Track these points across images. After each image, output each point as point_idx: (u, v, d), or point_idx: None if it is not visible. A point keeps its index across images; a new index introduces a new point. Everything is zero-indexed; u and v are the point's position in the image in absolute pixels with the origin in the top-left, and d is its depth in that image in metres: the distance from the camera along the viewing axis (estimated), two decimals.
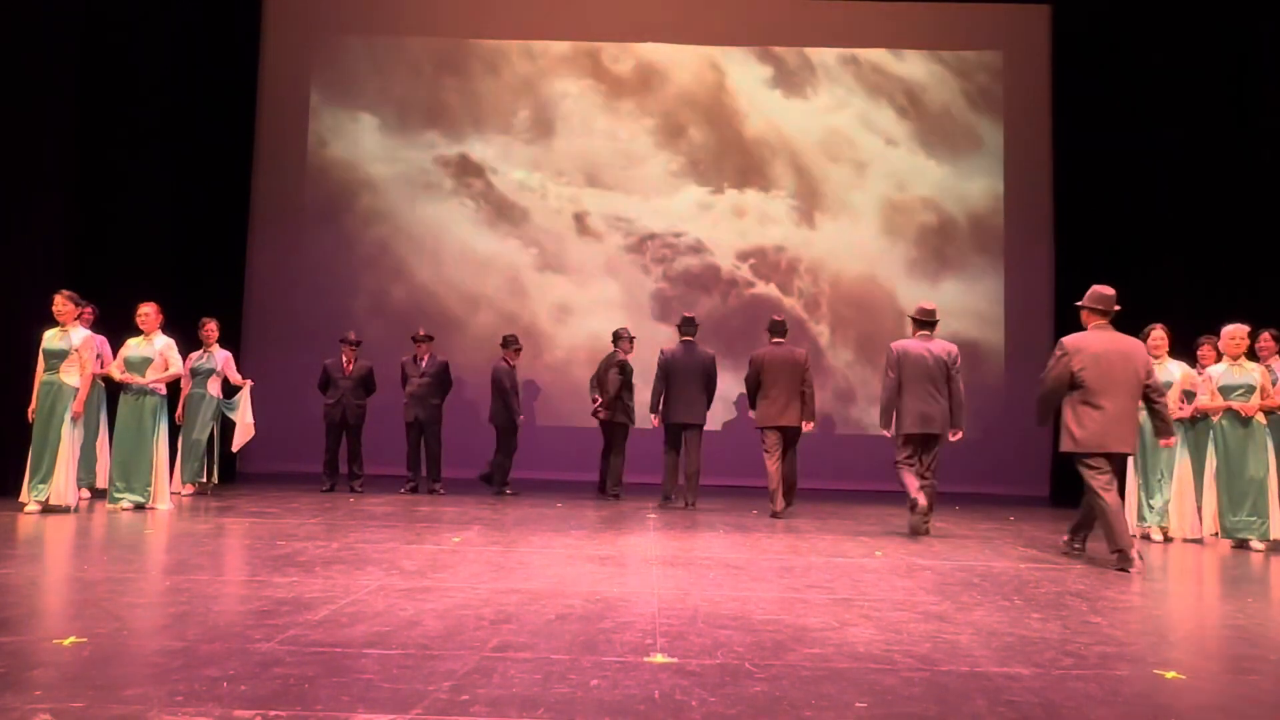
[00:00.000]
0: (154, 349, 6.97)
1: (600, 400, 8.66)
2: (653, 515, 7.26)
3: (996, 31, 10.99)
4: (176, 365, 7.13)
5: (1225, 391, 6.42)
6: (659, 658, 2.92)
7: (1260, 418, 6.35)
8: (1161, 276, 9.24)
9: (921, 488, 6.49)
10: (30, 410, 6.55)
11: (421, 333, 8.84)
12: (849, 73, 11.02)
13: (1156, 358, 6.87)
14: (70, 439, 6.40)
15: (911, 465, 6.57)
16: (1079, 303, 5.65)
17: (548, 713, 2.38)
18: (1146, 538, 6.69)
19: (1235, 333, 6.42)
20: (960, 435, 6.68)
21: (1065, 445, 5.37)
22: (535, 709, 2.40)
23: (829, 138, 10.95)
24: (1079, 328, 5.61)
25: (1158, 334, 6.88)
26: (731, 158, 10.95)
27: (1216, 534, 6.52)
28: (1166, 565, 5.59)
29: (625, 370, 8.63)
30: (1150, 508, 6.75)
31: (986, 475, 10.13)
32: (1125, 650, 3.24)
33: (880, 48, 11.00)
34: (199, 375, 7.89)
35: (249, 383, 8.10)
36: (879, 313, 10.68)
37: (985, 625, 3.53)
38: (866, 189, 10.90)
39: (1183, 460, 6.75)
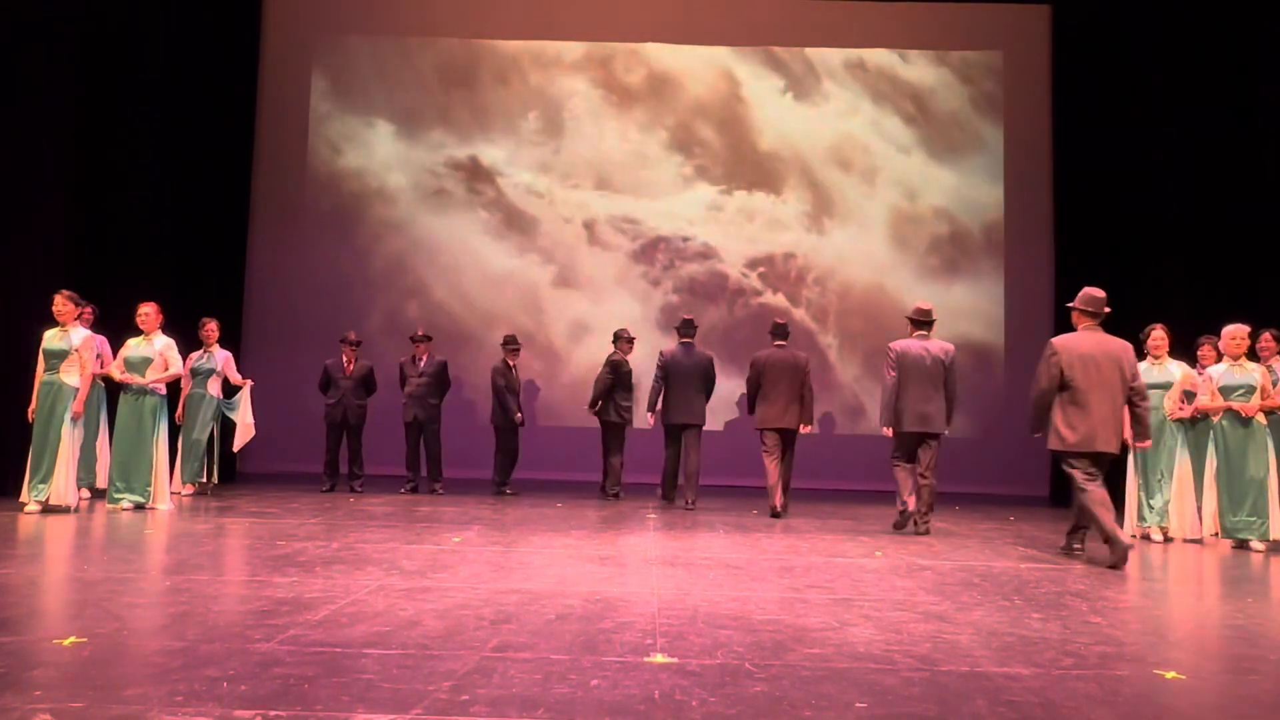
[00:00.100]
0: (154, 349, 6.97)
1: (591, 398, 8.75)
2: (653, 515, 7.27)
3: (996, 31, 10.99)
4: (176, 365, 7.13)
5: (1226, 392, 6.42)
6: (659, 658, 2.92)
7: (1260, 418, 6.35)
8: (1161, 276, 9.24)
9: (921, 487, 6.57)
10: (30, 410, 6.55)
11: (420, 333, 8.84)
12: (849, 74, 11.02)
13: (1157, 358, 6.88)
14: (70, 439, 6.40)
15: (903, 464, 6.67)
16: (1070, 304, 5.74)
17: (548, 713, 2.38)
18: (1146, 538, 6.69)
19: (1236, 333, 6.42)
20: (945, 432, 6.79)
21: (1053, 444, 5.48)
22: (535, 709, 2.40)
23: (829, 139, 10.94)
24: (1101, 329, 5.65)
25: (1158, 334, 6.88)
26: (736, 160, 10.94)
27: (1216, 534, 6.52)
28: (1166, 565, 5.59)
29: (618, 369, 8.65)
30: (1150, 508, 6.75)
31: (986, 475, 10.13)
32: (1125, 650, 3.24)
33: (880, 48, 11.00)
34: (199, 375, 7.89)
35: (249, 383, 8.10)
36: (886, 320, 10.63)
37: (985, 625, 3.53)
38: (866, 189, 10.90)
39: (1183, 460, 6.75)
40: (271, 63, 10.88)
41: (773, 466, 7.57)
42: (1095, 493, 5.31)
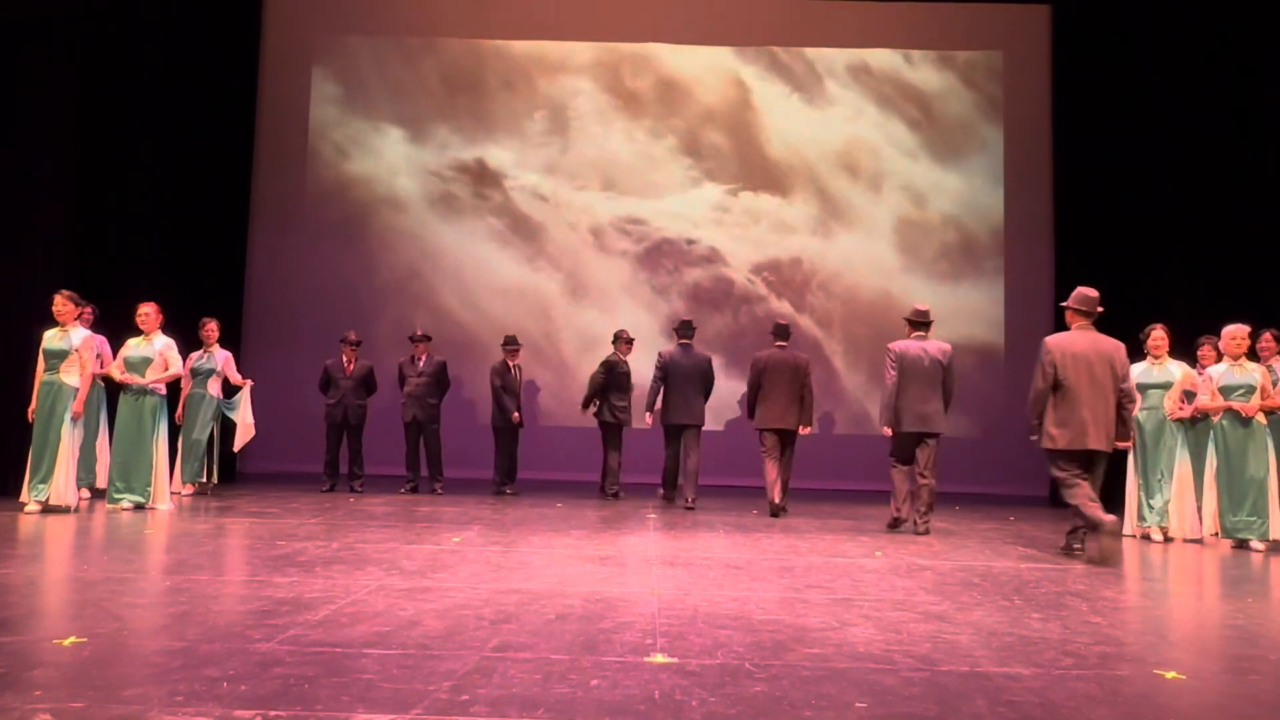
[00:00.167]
0: (154, 349, 6.97)
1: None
2: (653, 515, 7.27)
3: (996, 31, 10.98)
4: (176, 365, 7.13)
5: (1226, 392, 6.42)
6: (659, 658, 2.92)
7: (1260, 418, 6.35)
8: (1161, 277, 9.25)
9: (921, 487, 6.64)
10: (30, 410, 6.55)
11: (419, 332, 8.84)
12: (850, 75, 11.01)
13: (1157, 358, 6.88)
14: (70, 439, 6.40)
15: (900, 467, 6.79)
16: (1064, 303, 5.84)
17: (548, 713, 2.38)
18: (1146, 538, 6.69)
19: (1236, 333, 6.42)
20: (945, 431, 6.89)
21: (1045, 443, 5.57)
22: (535, 709, 2.40)
23: (830, 141, 10.93)
24: (1095, 328, 5.71)
25: (1158, 334, 6.88)
26: (738, 162, 10.93)
27: (1216, 534, 6.51)
28: (1166, 565, 5.59)
29: (612, 370, 8.68)
30: (1150, 508, 6.75)
31: (986, 475, 10.13)
32: (1125, 650, 3.24)
33: (880, 48, 11.00)
34: (199, 375, 7.89)
35: (249, 383, 8.10)
36: (890, 325, 10.59)
37: (985, 625, 3.53)
38: (867, 190, 10.90)
39: (1183, 460, 6.75)
40: (271, 63, 10.87)
41: (771, 466, 7.60)
42: (1078, 486, 5.44)
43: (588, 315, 10.70)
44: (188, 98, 9.94)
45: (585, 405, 8.84)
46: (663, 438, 8.37)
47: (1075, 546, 5.61)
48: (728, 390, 10.25)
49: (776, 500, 7.48)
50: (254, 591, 3.80)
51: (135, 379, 6.85)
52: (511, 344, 8.84)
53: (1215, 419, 6.49)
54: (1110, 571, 5.09)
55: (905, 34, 10.97)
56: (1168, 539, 6.63)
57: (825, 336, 10.73)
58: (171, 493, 7.09)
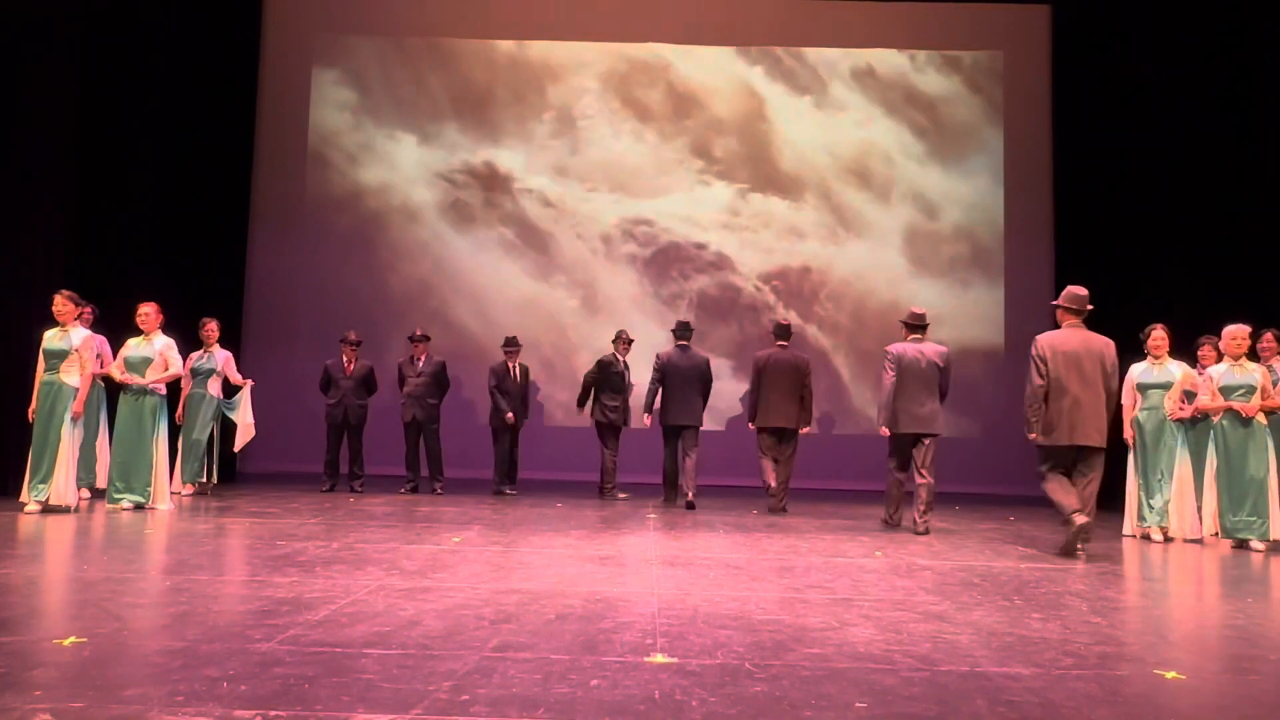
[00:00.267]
0: (154, 349, 6.97)
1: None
2: (653, 515, 7.27)
3: (996, 31, 10.99)
4: (176, 365, 7.13)
5: (1226, 392, 6.42)
6: (659, 658, 2.92)
7: (1261, 418, 6.35)
8: (1161, 276, 9.24)
9: (920, 486, 6.71)
10: (30, 410, 6.55)
11: (418, 332, 8.84)
12: (848, 74, 11.01)
13: (1157, 358, 6.88)
14: (70, 439, 6.40)
15: (897, 471, 6.92)
16: (1054, 302, 5.95)
17: (548, 713, 2.38)
18: (1146, 538, 6.68)
19: (1237, 333, 6.42)
20: (942, 433, 7.00)
21: (1036, 439, 5.70)
22: (535, 709, 2.40)
23: (828, 140, 10.94)
24: (1085, 326, 5.81)
25: (1158, 334, 6.88)
26: (739, 162, 10.93)
27: (1216, 534, 6.51)
28: (1166, 565, 5.59)
29: (605, 369, 8.73)
30: (1150, 508, 6.75)
31: (986, 475, 10.13)
32: (1125, 650, 3.24)
33: (879, 48, 11.00)
34: (199, 375, 7.89)
35: (249, 383, 8.10)
36: (893, 330, 10.63)
37: (985, 625, 3.53)
38: (864, 189, 10.90)
39: (1183, 460, 6.75)
40: (272, 63, 10.87)
41: (768, 465, 7.73)
42: (1057, 480, 5.65)
43: (592, 321, 10.69)
44: (188, 98, 9.94)
45: (580, 404, 8.92)
46: (661, 438, 8.40)
47: (1075, 547, 5.61)
48: (730, 391, 10.28)
49: (772, 485, 7.65)
50: (254, 591, 3.80)
51: (135, 379, 6.85)
52: (511, 345, 8.84)
53: (1215, 419, 6.49)
54: (1110, 571, 5.09)
55: (905, 34, 10.97)
56: (1168, 539, 6.63)
57: (832, 345, 10.71)
58: (171, 493, 7.09)
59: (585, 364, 9.42)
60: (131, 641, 2.98)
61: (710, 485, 9.34)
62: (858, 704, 2.51)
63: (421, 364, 8.70)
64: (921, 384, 6.78)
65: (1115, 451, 7.15)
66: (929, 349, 6.89)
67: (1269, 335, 6.76)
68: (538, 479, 9.77)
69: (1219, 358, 6.71)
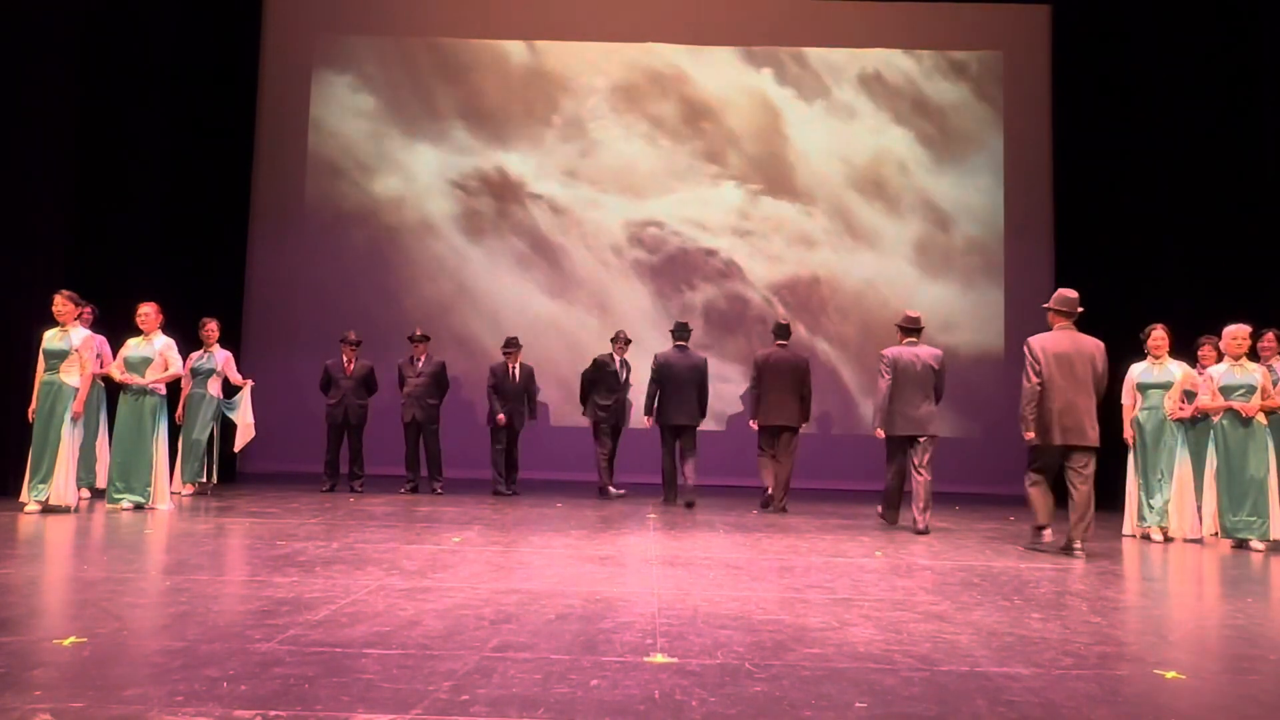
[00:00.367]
0: (154, 349, 6.97)
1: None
2: (653, 515, 7.27)
3: (996, 31, 10.99)
4: (176, 365, 7.13)
5: (1226, 391, 6.42)
6: (659, 658, 2.92)
7: (1261, 418, 6.35)
8: (1161, 276, 9.24)
9: (918, 483, 6.78)
10: (30, 410, 6.55)
11: (418, 333, 8.84)
12: (847, 74, 11.01)
13: (1157, 358, 6.88)
14: (70, 439, 6.40)
15: (895, 474, 6.99)
16: (1045, 305, 6.06)
17: (548, 713, 2.38)
18: (1146, 538, 6.68)
19: (1237, 333, 6.42)
20: (938, 434, 7.11)
21: (1029, 439, 5.82)
22: (535, 709, 2.40)
23: (827, 139, 10.93)
24: (1077, 328, 5.91)
25: (1158, 334, 6.88)
26: (736, 161, 10.93)
27: (1216, 534, 6.51)
28: (1166, 565, 5.59)
29: (601, 368, 8.80)
30: (1150, 508, 6.74)
31: (986, 475, 10.13)
32: (1125, 650, 3.24)
33: (879, 48, 11.00)
34: (199, 375, 7.89)
35: (249, 383, 8.10)
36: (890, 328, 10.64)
37: (985, 625, 3.53)
38: (864, 189, 10.90)
39: (1183, 460, 6.75)
40: (272, 62, 10.87)
41: (767, 470, 7.82)
42: (1042, 488, 5.89)
43: (601, 336, 10.66)
44: (188, 98, 9.94)
45: (583, 403, 8.98)
46: (659, 439, 8.44)
47: (1075, 546, 5.61)
48: (727, 390, 10.28)
49: (769, 489, 7.71)
50: (254, 591, 3.80)
51: (135, 379, 6.85)
52: (510, 346, 8.83)
53: (1215, 419, 6.49)
54: (1110, 571, 5.09)
55: (905, 34, 10.97)
56: (1168, 539, 6.63)
57: (840, 358, 10.71)
58: (171, 493, 7.09)
59: (565, 348, 9.45)
60: (131, 641, 2.98)
61: (710, 485, 9.36)
62: (858, 704, 2.51)
63: (421, 364, 8.70)
64: (917, 387, 6.87)
65: (1115, 451, 7.18)
66: (924, 352, 6.98)
67: (1269, 335, 6.77)
68: (538, 479, 9.77)
69: (1219, 358, 6.71)
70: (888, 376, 6.90)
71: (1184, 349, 7.11)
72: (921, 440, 6.83)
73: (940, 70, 11.01)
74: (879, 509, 7.10)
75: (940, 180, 10.90)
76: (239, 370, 8.16)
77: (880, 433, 7.00)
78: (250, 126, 10.66)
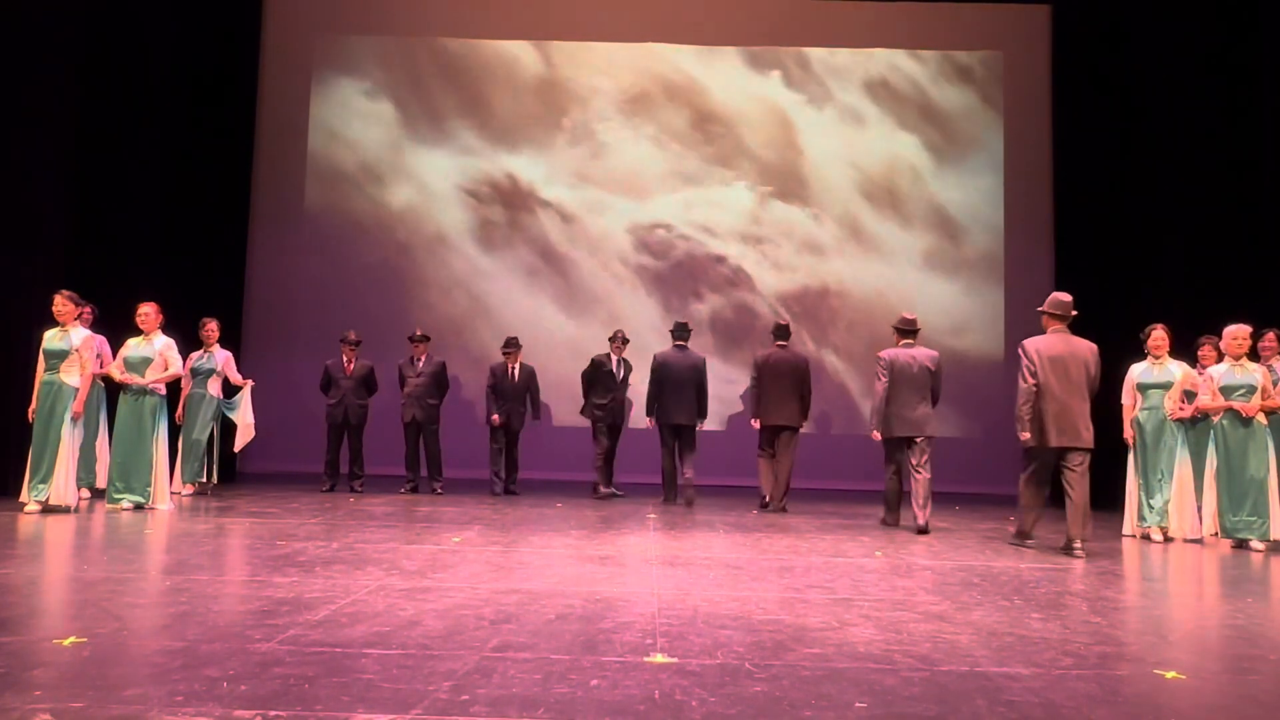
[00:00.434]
0: (154, 349, 6.97)
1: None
2: (653, 515, 7.27)
3: (996, 31, 10.99)
4: (176, 365, 7.13)
5: (1226, 391, 6.42)
6: (659, 658, 2.92)
7: (1261, 418, 6.35)
8: (1161, 276, 9.24)
9: (917, 481, 6.82)
10: (30, 410, 6.55)
11: (418, 333, 8.84)
12: (847, 73, 11.01)
13: (1157, 358, 6.88)
14: (70, 439, 6.40)
15: (894, 474, 7.04)
16: (1039, 308, 6.12)
17: (548, 713, 2.38)
18: (1147, 538, 6.68)
19: (1238, 333, 6.42)
20: (934, 435, 7.15)
21: (1027, 438, 5.87)
22: (535, 709, 2.40)
23: (826, 138, 10.94)
24: (1076, 328, 5.99)
25: (1158, 334, 6.88)
26: (742, 167, 10.93)
27: (1216, 534, 6.51)
28: (1166, 565, 5.59)
29: (598, 367, 8.81)
30: (1150, 508, 6.74)
31: (986, 475, 10.13)
32: (1125, 650, 3.24)
33: (879, 48, 11.00)
34: (199, 375, 7.89)
35: (249, 383, 8.10)
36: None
37: (985, 625, 3.53)
38: (869, 192, 10.89)
39: (1183, 460, 6.75)
40: (272, 62, 10.87)
41: (766, 473, 7.87)
42: (1035, 493, 5.97)
43: (585, 322, 10.68)
44: (188, 98, 9.94)
45: (585, 402, 8.98)
46: (659, 438, 8.47)
47: (1075, 546, 5.62)
48: (727, 390, 10.29)
49: (766, 496, 7.77)
50: (254, 591, 3.80)
51: (135, 379, 6.85)
52: (510, 346, 8.83)
53: (1216, 419, 6.49)
54: (1110, 571, 5.09)
55: (905, 34, 10.97)
56: (1168, 539, 6.63)
57: (846, 369, 10.70)
58: (171, 493, 7.09)
59: (560, 346, 9.45)
60: (131, 641, 2.98)
61: (710, 485, 9.36)
62: (858, 704, 2.51)
63: (421, 364, 8.70)
64: (914, 388, 6.92)
65: (1115, 451, 7.19)
66: (920, 354, 7.02)
67: (1270, 335, 6.77)
68: (537, 479, 9.77)
69: (1219, 358, 6.71)
70: (884, 379, 6.95)
71: (1184, 349, 7.11)
72: (919, 441, 6.86)
73: (945, 75, 11.00)
74: (881, 517, 7.11)
75: (941, 182, 10.90)
76: (239, 370, 8.16)
77: (877, 435, 7.05)
78: (250, 126, 10.66)
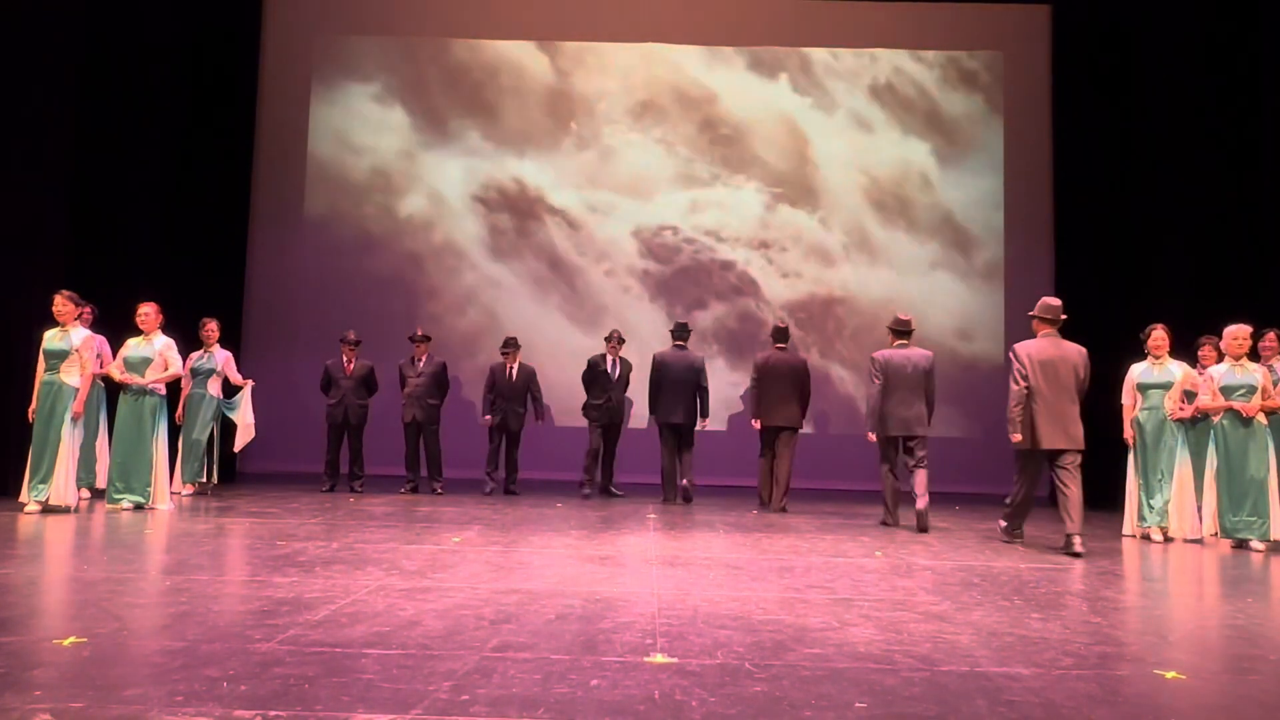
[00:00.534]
0: (154, 349, 6.97)
1: None
2: (653, 515, 7.27)
3: (996, 31, 10.99)
4: (176, 365, 7.13)
5: (1227, 391, 6.42)
6: (659, 658, 2.92)
7: (1261, 418, 6.35)
8: (1162, 276, 9.24)
9: (915, 475, 6.93)
10: (30, 410, 6.55)
11: (419, 333, 8.84)
12: (846, 73, 11.01)
13: (1157, 358, 6.88)
14: (70, 439, 6.40)
15: (891, 473, 7.10)
16: (1030, 313, 6.25)
17: (548, 713, 2.38)
18: (1147, 538, 6.68)
19: (1238, 333, 6.42)
20: (928, 434, 7.22)
21: (1017, 439, 6.04)
22: (535, 709, 2.40)
23: (826, 138, 10.94)
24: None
25: (1158, 334, 6.88)
26: (749, 171, 10.93)
27: (1216, 534, 6.51)
28: (1166, 565, 5.59)
29: (593, 368, 8.84)
30: (1150, 508, 6.74)
31: (986, 475, 10.10)
32: (1125, 650, 3.24)
33: (879, 48, 11.00)
34: (199, 375, 7.89)
35: (250, 383, 8.10)
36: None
37: (985, 625, 3.53)
38: (864, 189, 10.89)
39: (1183, 460, 6.75)
40: (272, 63, 10.87)
41: (765, 465, 7.93)
42: (1028, 495, 6.10)
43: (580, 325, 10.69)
44: (188, 98, 9.94)
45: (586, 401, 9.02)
46: (658, 437, 8.50)
47: (1075, 543, 5.62)
48: (727, 389, 10.29)
49: (764, 497, 7.88)
50: (254, 591, 3.80)
51: (135, 379, 6.85)
52: (508, 346, 8.83)
53: (1216, 419, 6.49)
54: (1110, 571, 5.09)
55: (905, 34, 10.97)
56: (1168, 539, 6.62)
57: (845, 369, 10.70)
58: (171, 493, 7.09)
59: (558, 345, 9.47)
60: (131, 641, 2.98)
61: (710, 485, 9.36)
62: (858, 704, 2.51)
63: (422, 364, 8.70)
64: (908, 388, 6.99)
65: (1115, 451, 7.19)
66: (914, 354, 7.08)
67: (1270, 335, 6.76)
68: (537, 479, 9.77)
69: (1219, 358, 6.71)
70: (878, 380, 7.01)
71: (1184, 349, 7.11)
72: (914, 440, 6.95)
73: (939, 70, 11.00)
74: (881, 517, 7.12)
75: (942, 183, 10.89)
76: (239, 370, 8.16)
77: (872, 436, 7.10)
78: (251, 126, 10.66)
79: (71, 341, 6.50)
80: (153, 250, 9.27)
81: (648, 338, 10.28)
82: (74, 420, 6.43)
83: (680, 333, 8.51)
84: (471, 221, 10.84)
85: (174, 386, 7.49)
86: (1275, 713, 2.57)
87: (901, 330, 7.18)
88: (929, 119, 10.96)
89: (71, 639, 2.92)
